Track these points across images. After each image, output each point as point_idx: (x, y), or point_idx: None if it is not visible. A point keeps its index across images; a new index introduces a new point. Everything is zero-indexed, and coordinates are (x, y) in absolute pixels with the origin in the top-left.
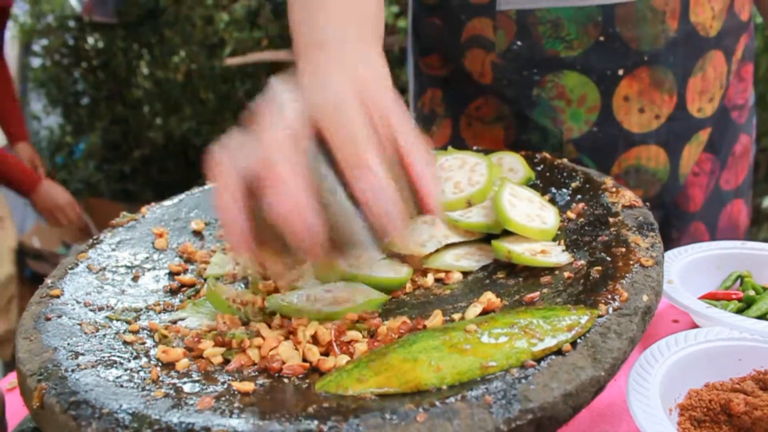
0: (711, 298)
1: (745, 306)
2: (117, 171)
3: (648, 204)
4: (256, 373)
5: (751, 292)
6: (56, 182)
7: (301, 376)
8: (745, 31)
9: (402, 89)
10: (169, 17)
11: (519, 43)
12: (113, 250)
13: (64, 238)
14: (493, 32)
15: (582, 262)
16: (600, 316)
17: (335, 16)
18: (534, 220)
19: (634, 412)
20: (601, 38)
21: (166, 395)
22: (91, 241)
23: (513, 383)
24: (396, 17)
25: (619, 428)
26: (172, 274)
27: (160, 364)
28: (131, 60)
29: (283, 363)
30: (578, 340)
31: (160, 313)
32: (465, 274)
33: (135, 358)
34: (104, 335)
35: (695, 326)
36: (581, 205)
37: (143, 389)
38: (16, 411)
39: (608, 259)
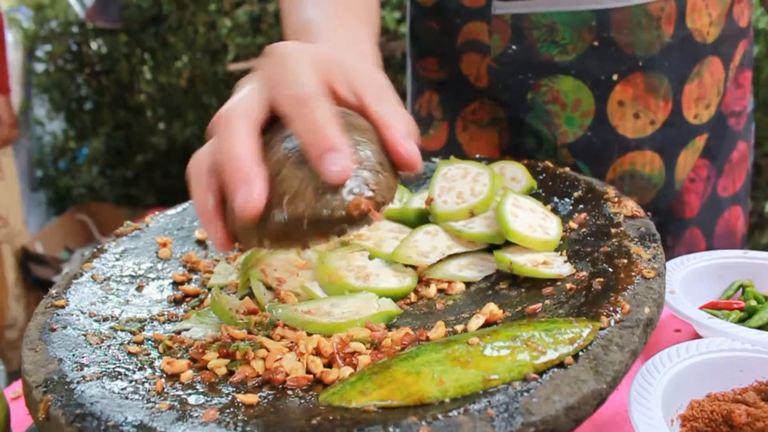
0: (712, 307)
1: (746, 315)
2: (120, 176)
3: (650, 214)
4: (260, 384)
5: (753, 302)
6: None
7: (304, 388)
8: (743, 37)
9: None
10: (172, 23)
11: (514, 47)
12: (117, 259)
13: (67, 243)
14: (489, 36)
15: (584, 273)
16: (602, 329)
17: (321, 5)
18: (537, 230)
19: (636, 423)
20: (596, 43)
21: (171, 407)
22: (95, 250)
23: (515, 396)
24: (398, 23)
25: None
26: (176, 284)
27: (164, 375)
28: (134, 65)
29: (287, 375)
30: (580, 353)
31: (164, 323)
32: (468, 284)
33: (140, 369)
34: (109, 346)
35: (697, 336)
36: (583, 215)
37: (148, 401)
38: (21, 420)
39: (610, 270)
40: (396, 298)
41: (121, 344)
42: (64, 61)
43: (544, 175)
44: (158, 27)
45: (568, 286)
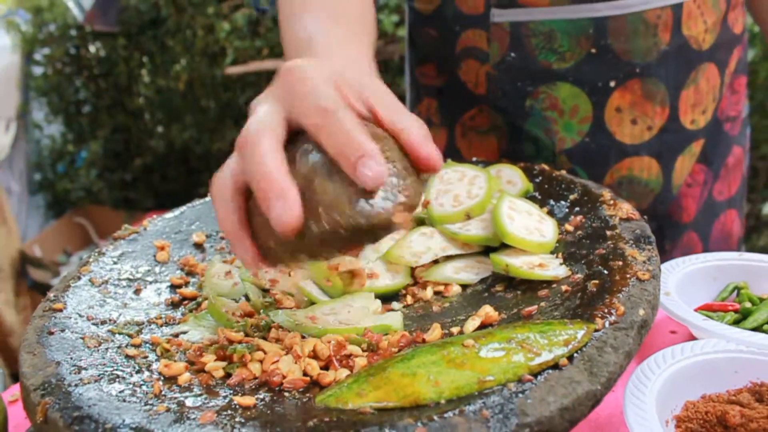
0: (708, 309)
1: (741, 317)
2: (118, 179)
3: (645, 217)
4: (257, 387)
5: (748, 304)
6: None
7: (301, 390)
8: (738, 44)
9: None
10: (171, 26)
11: (512, 54)
12: (115, 263)
13: (65, 247)
14: (487, 43)
15: (579, 275)
16: (596, 330)
17: (320, 17)
18: (533, 233)
19: (630, 423)
20: (593, 50)
21: (168, 410)
22: (93, 253)
23: (510, 397)
24: (396, 26)
25: None
26: (173, 287)
27: (162, 378)
28: (133, 69)
29: (284, 377)
30: (575, 355)
31: (162, 326)
32: (464, 286)
33: (137, 372)
34: (107, 349)
35: (693, 337)
36: (579, 217)
37: (146, 404)
38: (19, 423)
39: (605, 272)
40: (389, 295)
41: (118, 347)
42: (63, 64)
43: (540, 177)
44: (157, 30)
45: (564, 288)
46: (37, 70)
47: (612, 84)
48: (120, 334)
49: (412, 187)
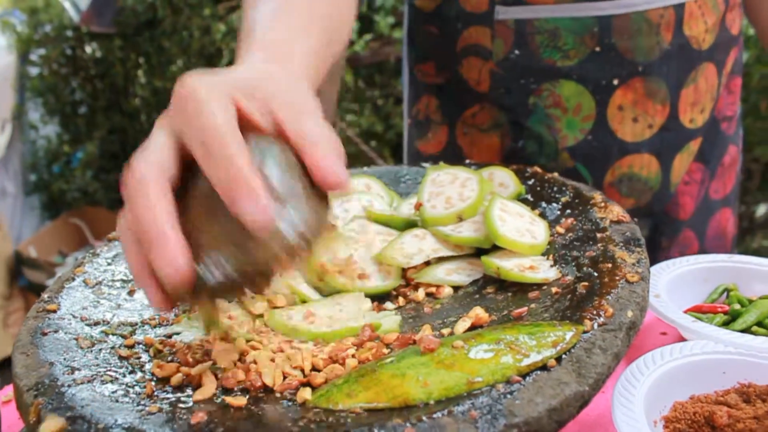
0: (697, 311)
1: (730, 319)
2: (114, 180)
3: (636, 220)
4: (249, 387)
5: (737, 305)
6: None
7: (292, 390)
8: (735, 44)
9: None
10: (167, 27)
11: (517, 51)
12: (109, 264)
13: (61, 248)
14: (491, 41)
15: (570, 277)
16: (585, 332)
17: (274, 7)
18: (524, 235)
19: (618, 424)
20: (597, 49)
21: (161, 410)
22: (87, 254)
23: (498, 398)
24: (392, 28)
25: None
26: None
27: (154, 378)
28: (129, 70)
29: (275, 377)
30: (563, 356)
31: (155, 327)
32: (456, 288)
33: (130, 372)
34: (100, 350)
35: (683, 339)
36: (570, 220)
37: (138, 404)
38: (12, 424)
39: (595, 274)
40: (380, 295)
41: (112, 348)
42: (59, 65)
43: (533, 180)
44: (153, 31)
45: (554, 290)
46: (33, 71)
47: (615, 82)
48: (113, 335)
49: (311, 216)
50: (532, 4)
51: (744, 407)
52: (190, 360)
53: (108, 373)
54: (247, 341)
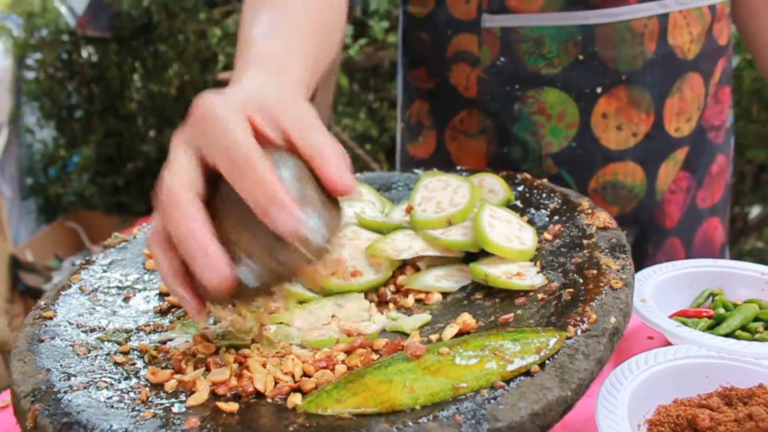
0: (683, 315)
1: (715, 323)
2: (111, 184)
3: (621, 228)
4: (241, 393)
5: (722, 310)
6: None
7: (283, 396)
8: (723, 54)
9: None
10: (163, 32)
11: (502, 59)
12: (105, 271)
13: (57, 251)
14: (478, 48)
15: (556, 283)
16: (569, 338)
17: (271, 17)
18: (513, 240)
19: (601, 426)
20: (581, 57)
21: (155, 415)
22: (83, 261)
23: (482, 403)
24: (386, 32)
25: None
26: (162, 295)
27: (149, 384)
28: (125, 74)
29: (267, 383)
30: (547, 362)
31: (150, 333)
32: (444, 294)
33: (125, 378)
34: (96, 356)
35: (669, 343)
36: (558, 226)
37: (133, 410)
38: (9, 429)
39: (580, 281)
40: (373, 289)
41: (107, 354)
42: (55, 69)
43: (522, 186)
44: (149, 36)
45: (540, 296)
46: (29, 75)
47: (598, 90)
48: (109, 341)
49: (331, 221)
50: (517, 12)
51: (726, 410)
52: (184, 366)
53: (103, 379)
54: (239, 349)
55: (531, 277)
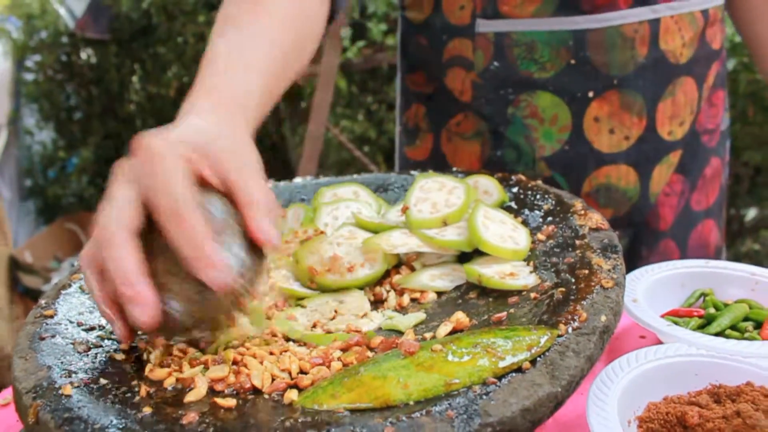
0: (674, 315)
1: (705, 322)
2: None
3: (613, 230)
4: (239, 389)
5: (712, 310)
6: None
7: (280, 392)
8: (716, 58)
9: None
10: (162, 34)
11: (496, 63)
12: None
13: (56, 253)
14: (473, 52)
15: (548, 283)
16: (560, 336)
17: (233, 41)
18: (507, 240)
19: (591, 423)
20: (573, 61)
21: (154, 411)
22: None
23: (474, 399)
24: (385, 35)
25: None
26: None
27: (148, 381)
28: (124, 76)
29: (264, 380)
30: (538, 359)
31: None
32: (439, 293)
33: (125, 375)
34: (96, 354)
35: (660, 342)
36: (551, 227)
37: (133, 406)
38: (9, 427)
39: (572, 280)
40: (370, 283)
41: (107, 352)
42: (54, 71)
43: (517, 188)
44: (148, 38)
45: (533, 295)
46: (29, 77)
47: (590, 94)
48: (109, 339)
49: (252, 268)
50: (510, 17)
51: (714, 407)
52: (183, 364)
53: (104, 376)
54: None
55: (524, 277)
